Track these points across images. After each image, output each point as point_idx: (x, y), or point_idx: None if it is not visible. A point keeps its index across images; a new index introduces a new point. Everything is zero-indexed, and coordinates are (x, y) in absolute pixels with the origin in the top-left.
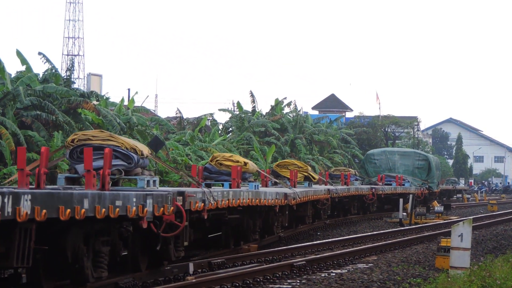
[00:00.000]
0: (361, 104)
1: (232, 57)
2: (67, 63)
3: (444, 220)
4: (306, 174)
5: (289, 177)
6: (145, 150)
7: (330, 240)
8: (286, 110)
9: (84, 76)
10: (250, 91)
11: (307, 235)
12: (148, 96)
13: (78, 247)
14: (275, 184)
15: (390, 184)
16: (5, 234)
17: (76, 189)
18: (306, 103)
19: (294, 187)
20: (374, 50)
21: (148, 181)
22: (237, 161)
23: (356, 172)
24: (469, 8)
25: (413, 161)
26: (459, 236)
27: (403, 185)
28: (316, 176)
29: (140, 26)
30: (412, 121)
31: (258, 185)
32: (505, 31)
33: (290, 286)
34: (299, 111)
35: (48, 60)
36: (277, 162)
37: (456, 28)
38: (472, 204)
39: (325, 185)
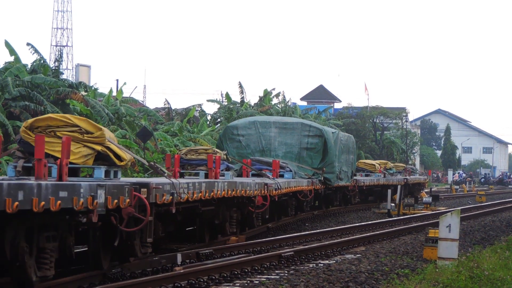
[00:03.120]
0: (350, 95)
1: (221, 48)
2: (55, 54)
3: (432, 211)
4: None
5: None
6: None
7: (318, 231)
8: (275, 101)
9: (72, 67)
10: (239, 82)
11: (295, 225)
12: (136, 87)
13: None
14: (258, 175)
15: (261, 175)
16: None
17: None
18: (294, 94)
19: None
20: (363, 42)
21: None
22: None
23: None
24: (457, 0)
25: (299, 138)
26: (447, 227)
27: (282, 176)
28: None
29: (129, 17)
30: (400, 112)
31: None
32: (493, 23)
33: (278, 277)
34: (288, 102)
35: (36, 51)
36: None
37: (444, 19)
38: (460, 195)
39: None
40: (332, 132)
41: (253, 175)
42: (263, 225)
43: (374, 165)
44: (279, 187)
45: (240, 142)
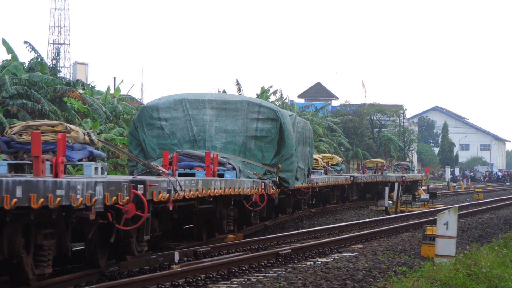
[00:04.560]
0: (347, 93)
1: (218, 45)
2: (53, 52)
3: (430, 209)
4: None
5: None
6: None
7: (315, 228)
8: (272, 98)
9: (70, 65)
10: (236, 79)
11: (293, 223)
12: (134, 84)
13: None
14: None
15: (192, 174)
16: None
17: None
18: (292, 92)
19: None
20: (360, 39)
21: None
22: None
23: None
24: None
25: (245, 122)
26: (444, 224)
27: (221, 176)
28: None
29: (126, 14)
30: (398, 109)
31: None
32: (490, 21)
33: (275, 275)
34: (285, 99)
35: (34, 49)
36: None
37: (441, 17)
38: (458, 192)
39: None
40: (290, 115)
41: (180, 175)
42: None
43: (317, 159)
44: (177, 188)
45: (162, 129)
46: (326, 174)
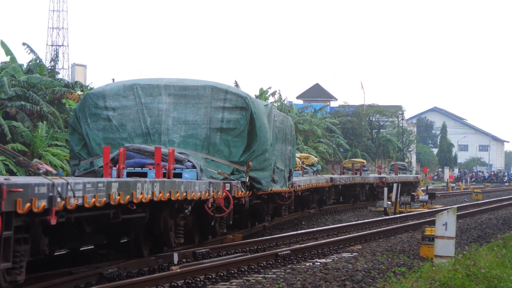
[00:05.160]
0: (346, 94)
1: (217, 47)
2: (51, 54)
3: (429, 209)
4: None
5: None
6: None
7: (314, 229)
8: (271, 99)
9: (68, 67)
10: (235, 80)
11: (292, 224)
12: None
13: None
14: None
15: (143, 174)
16: None
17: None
18: (290, 93)
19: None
20: (359, 40)
21: None
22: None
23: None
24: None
25: (209, 111)
26: (443, 225)
27: (178, 176)
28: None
29: (125, 16)
30: (396, 110)
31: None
32: (489, 21)
33: (274, 276)
34: (284, 100)
35: (32, 51)
36: None
37: (440, 18)
38: (456, 193)
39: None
40: (265, 105)
41: (130, 174)
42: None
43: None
44: (66, 194)
45: (109, 120)
46: (303, 175)
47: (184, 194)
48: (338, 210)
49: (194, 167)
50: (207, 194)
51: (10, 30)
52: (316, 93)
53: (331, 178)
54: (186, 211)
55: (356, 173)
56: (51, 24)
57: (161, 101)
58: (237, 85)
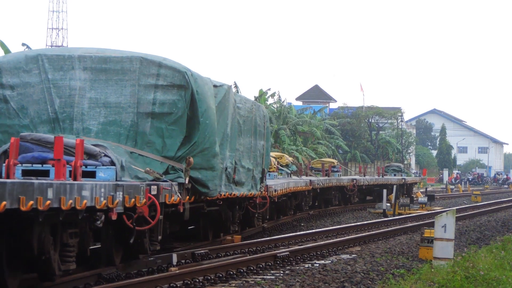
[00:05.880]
0: (345, 95)
1: (216, 48)
2: None
3: (428, 211)
4: None
5: None
6: None
7: (313, 231)
8: (270, 101)
9: None
10: (234, 82)
11: (291, 225)
12: None
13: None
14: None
15: (44, 172)
16: None
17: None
18: (290, 94)
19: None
20: (358, 42)
21: None
22: None
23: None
24: (453, 0)
25: (136, 91)
26: (442, 227)
27: (91, 175)
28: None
29: (124, 16)
30: (396, 112)
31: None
32: (488, 23)
33: (273, 277)
34: (283, 102)
35: None
36: None
37: (439, 19)
38: (456, 195)
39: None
40: (216, 86)
41: (26, 173)
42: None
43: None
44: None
45: (6, 101)
46: (277, 176)
47: (45, 203)
48: (337, 212)
49: (113, 163)
50: (110, 201)
51: (9, 30)
52: (316, 94)
53: (310, 181)
54: (96, 223)
55: (323, 174)
56: (50, 24)
57: (74, 77)
58: (236, 86)
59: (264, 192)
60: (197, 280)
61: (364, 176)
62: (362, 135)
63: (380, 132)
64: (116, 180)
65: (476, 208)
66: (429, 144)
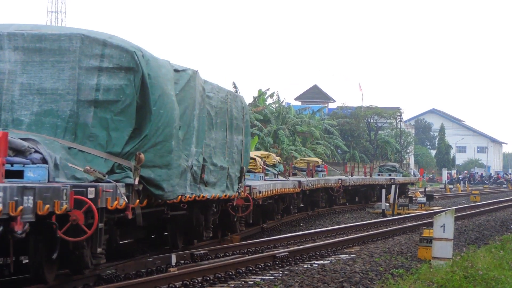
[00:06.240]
0: (344, 95)
1: (215, 48)
2: None
3: (427, 211)
4: None
5: None
6: None
7: (312, 231)
8: (269, 101)
9: None
10: (233, 82)
11: (290, 226)
12: None
13: None
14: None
15: None
16: None
17: None
18: (288, 94)
19: None
20: (357, 41)
21: None
22: None
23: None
24: (452, 1)
25: (76, 75)
26: (441, 226)
27: (18, 175)
28: None
29: (123, 17)
30: (394, 112)
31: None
32: (487, 23)
33: (272, 277)
34: (282, 102)
35: None
36: None
37: (438, 19)
38: (454, 194)
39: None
40: (178, 70)
41: None
42: None
43: (255, 158)
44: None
45: None
46: (265, 176)
47: None
48: (335, 212)
49: (45, 161)
50: (11, 208)
51: None
52: (315, 94)
53: (299, 182)
54: None
55: (308, 175)
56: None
57: (2, 58)
58: (235, 86)
59: (244, 194)
60: (196, 281)
61: (351, 176)
62: (361, 135)
63: (379, 132)
64: (49, 181)
65: (475, 208)
66: (428, 144)
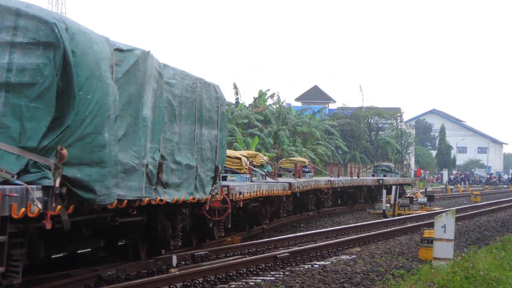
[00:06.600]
0: (344, 96)
1: (216, 49)
2: None
3: (428, 211)
4: None
5: None
6: None
7: (313, 231)
8: (269, 101)
9: None
10: (233, 83)
11: (291, 226)
12: None
13: None
14: None
15: None
16: None
17: None
18: (289, 95)
19: None
20: (358, 42)
21: None
22: None
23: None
24: (451, 1)
25: None
26: (442, 227)
27: None
28: None
29: (123, 18)
30: (395, 112)
31: None
32: (488, 24)
33: (273, 278)
34: (282, 102)
35: None
36: None
37: (439, 20)
38: (455, 195)
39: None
40: (122, 50)
41: None
42: None
43: (240, 158)
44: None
45: None
46: (251, 178)
47: None
48: (336, 212)
49: None
50: None
51: None
52: (315, 95)
53: (290, 184)
54: None
55: (296, 175)
56: None
57: None
58: (235, 87)
59: (221, 196)
60: (197, 282)
61: (338, 177)
62: (361, 136)
63: (380, 132)
64: None
65: (476, 208)
66: (429, 144)
